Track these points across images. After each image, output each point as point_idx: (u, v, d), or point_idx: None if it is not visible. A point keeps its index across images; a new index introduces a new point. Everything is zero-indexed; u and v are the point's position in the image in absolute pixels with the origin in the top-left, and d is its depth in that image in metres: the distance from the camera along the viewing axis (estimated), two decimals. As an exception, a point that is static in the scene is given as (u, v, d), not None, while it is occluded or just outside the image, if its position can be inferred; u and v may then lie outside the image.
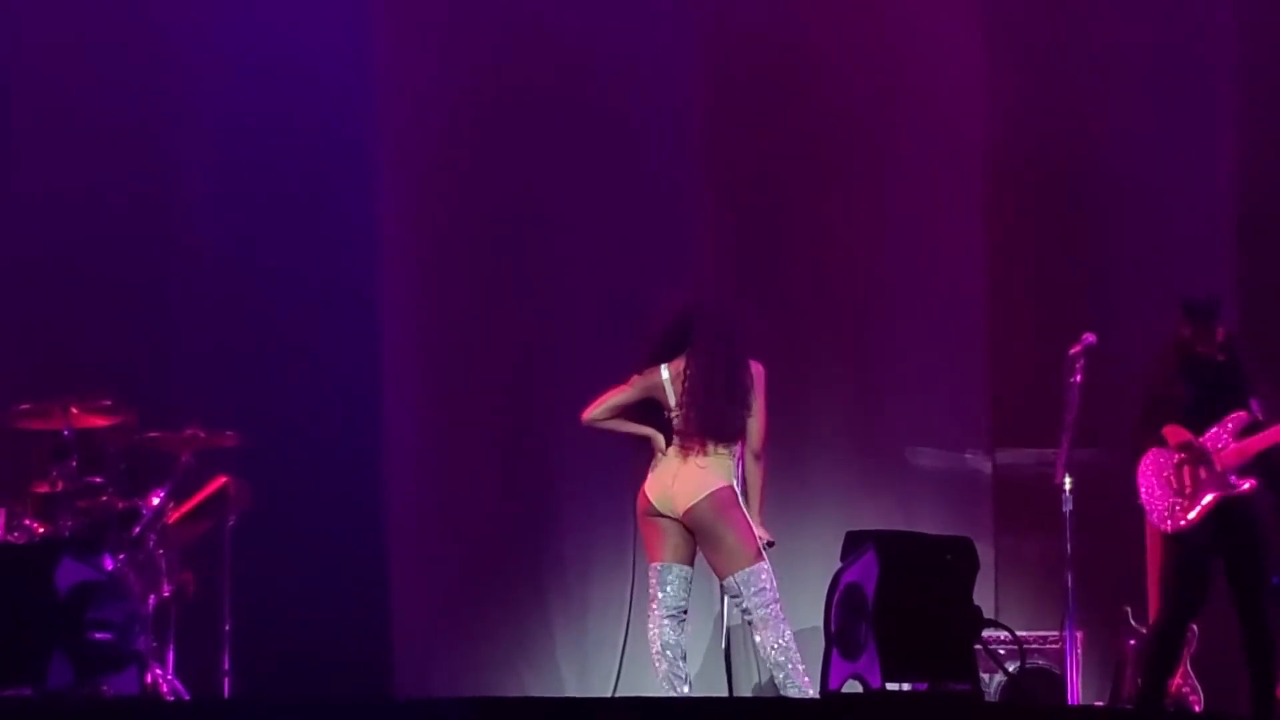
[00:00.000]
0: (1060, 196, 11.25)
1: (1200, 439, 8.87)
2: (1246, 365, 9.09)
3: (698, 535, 8.30)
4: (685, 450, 8.27)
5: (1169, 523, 8.87)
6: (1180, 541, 8.86)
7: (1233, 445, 8.88)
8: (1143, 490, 8.95)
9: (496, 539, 10.83)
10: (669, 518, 8.31)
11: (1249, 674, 8.83)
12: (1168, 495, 8.89)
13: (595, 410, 8.43)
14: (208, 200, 10.63)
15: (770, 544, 8.72)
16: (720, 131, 11.19)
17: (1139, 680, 9.18)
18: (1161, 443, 8.95)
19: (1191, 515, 8.83)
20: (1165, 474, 8.91)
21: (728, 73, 11.25)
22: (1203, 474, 8.85)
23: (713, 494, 8.23)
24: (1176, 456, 8.89)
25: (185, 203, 10.66)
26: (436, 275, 10.93)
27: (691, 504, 8.24)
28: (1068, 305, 10.77)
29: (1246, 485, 8.83)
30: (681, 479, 8.26)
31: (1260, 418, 8.92)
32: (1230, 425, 8.90)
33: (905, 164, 11.25)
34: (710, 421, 8.25)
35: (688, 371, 8.31)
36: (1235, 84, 11.20)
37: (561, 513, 10.87)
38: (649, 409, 8.40)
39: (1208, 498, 8.82)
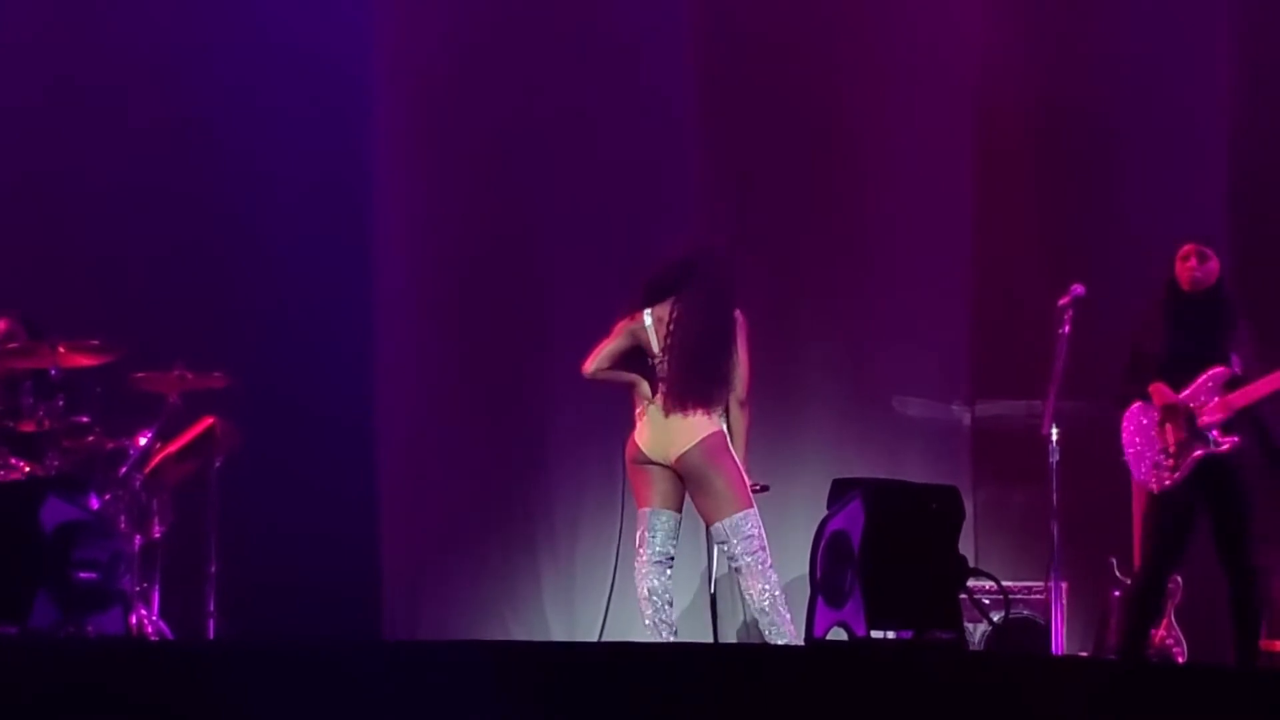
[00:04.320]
0: (1049, 147, 11.22)
1: (1182, 395, 8.86)
2: (1235, 310, 9.06)
3: (688, 481, 8.30)
4: (667, 403, 8.25)
5: (1154, 482, 8.87)
6: (1164, 498, 8.86)
7: (1215, 401, 8.87)
8: (1127, 446, 8.95)
9: (486, 484, 10.83)
10: (658, 464, 8.31)
11: (1235, 626, 8.84)
12: (1152, 453, 8.89)
13: (596, 361, 8.39)
14: (198, 139, 10.59)
15: (765, 488, 8.72)
16: (715, 80, 11.16)
17: (1121, 630, 9.20)
18: (1146, 397, 8.94)
19: (1176, 474, 8.83)
20: (1150, 431, 8.91)
21: (723, 17, 11.22)
22: (1185, 432, 8.84)
23: (704, 440, 8.23)
24: (1159, 414, 8.88)
25: (176, 143, 10.62)
26: (430, 216, 10.92)
27: (684, 451, 8.24)
28: (1056, 256, 10.74)
29: (1227, 444, 8.83)
30: (674, 426, 8.25)
31: (1239, 372, 8.91)
32: (1211, 380, 8.89)
33: (895, 114, 11.21)
34: (691, 383, 8.23)
35: (673, 318, 8.29)
36: (1229, 32, 11.16)
37: (551, 459, 10.88)
38: (633, 354, 8.38)
39: (1192, 455, 8.82)
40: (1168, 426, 8.86)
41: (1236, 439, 8.83)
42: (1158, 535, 8.91)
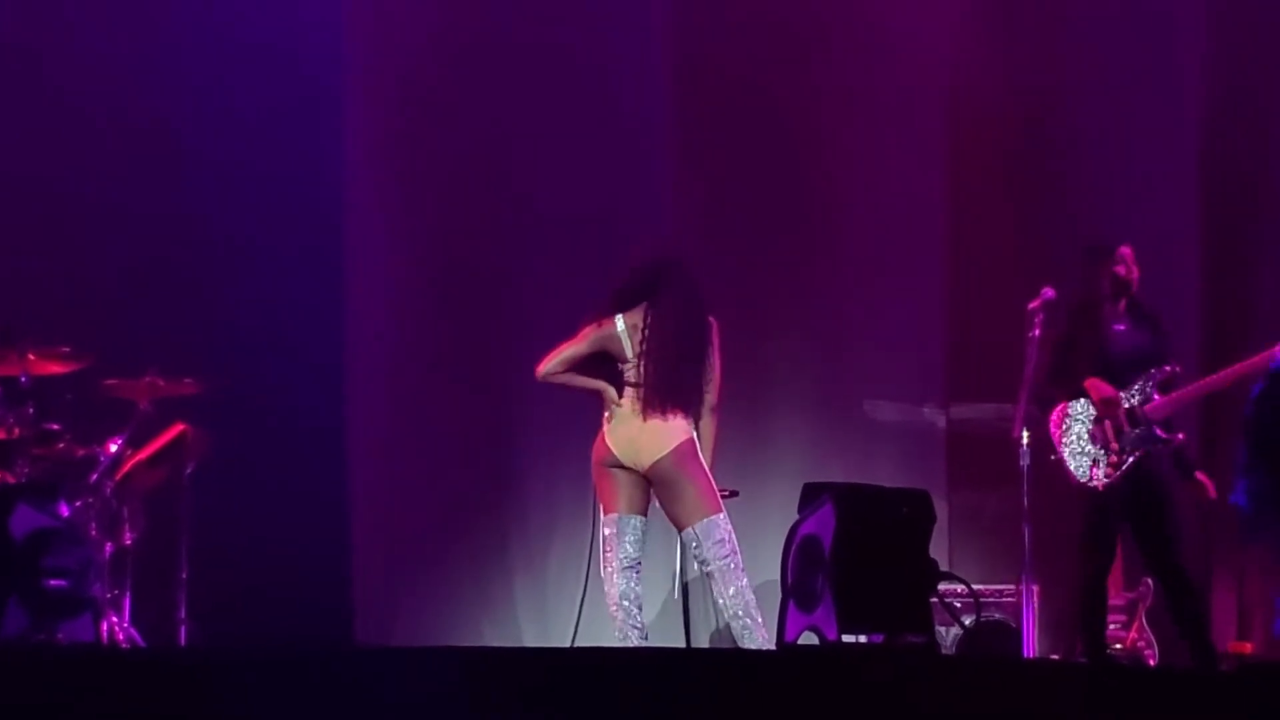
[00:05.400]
0: (1021, 151, 11.24)
1: (1123, 392, 8.92)
2: (1158, 314, 9.16)
3: (659, 488, 8.29)
4: (645, 408, 8.24)
5: (1098, 479, 8.90)
6: (1097, 497, 8.89)
7: (1159, 399, 8.91)
8: (1060, 447, 8.97)
9: (459, 489, 10.82)
10: (626, 469, 8.29)
11: (1181, 629, 8.89)
12: (1091, 448, 8.93)
13: (549, 364, 8.36)
14: (167, 145, 10.57)
15: (734, 493, 8.72)
16: (687, 81, 11.17)
17: (1077, 638, 9.22)
18: (1076, 395, 8.97)
19: (1118, 471, 8.86)
20: (1085, 425, 8.94)
21: (696, 19, 11.23)
22: (1126, 428, 8.89)
23: (676, 448, 8.21)
24: (1097, 410, 8.92)
25: (145, 148, 10.59)
26: (402, 222, 10.91)
27: (656, 459, 8.22)
28: (1026, 261, 10.75)
29: (1175, 440, 8.88)
30: (646, 433, 8.23)
31: (1179, 370, 8.97)
32: (1152, 379, 8.93)
33: (868, 118, 11.23)
34: (672, 386, 8.22)
35: (648, 323, 8.28)
36: (1200, 41, 11.18)
37: (524, 464, 10.87)
38: (598, 360, 8.37)
39: (1135, 452, 8.86)
40: (1107, 423, 8.91)
41: (1182, 435, 8.90)
42: (1090, 535, 8.95)
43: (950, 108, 11.27)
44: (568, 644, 9.66)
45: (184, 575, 9.62)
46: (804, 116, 11.22)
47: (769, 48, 11.22)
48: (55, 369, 9.43)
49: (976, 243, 11.15)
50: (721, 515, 8.24)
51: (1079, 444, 8.96)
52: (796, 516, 8.59)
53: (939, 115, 11.25)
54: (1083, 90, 11.22)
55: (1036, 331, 8.99)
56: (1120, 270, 9.06)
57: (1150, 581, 10.05)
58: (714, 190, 11.16)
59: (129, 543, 9.48)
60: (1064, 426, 8.99)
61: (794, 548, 8.42)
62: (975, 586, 9.53)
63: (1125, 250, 9.10)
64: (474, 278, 10.96)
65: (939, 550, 8.80)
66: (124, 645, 9.14)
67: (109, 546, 9.34)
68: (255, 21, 10.68)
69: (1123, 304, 9.07)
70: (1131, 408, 8.91)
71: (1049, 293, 9.05)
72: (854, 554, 8.18)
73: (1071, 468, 8.96)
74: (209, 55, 10.65)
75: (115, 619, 9.24)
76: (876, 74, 11.24)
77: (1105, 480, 8.88)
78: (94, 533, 9.22)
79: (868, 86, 11.23)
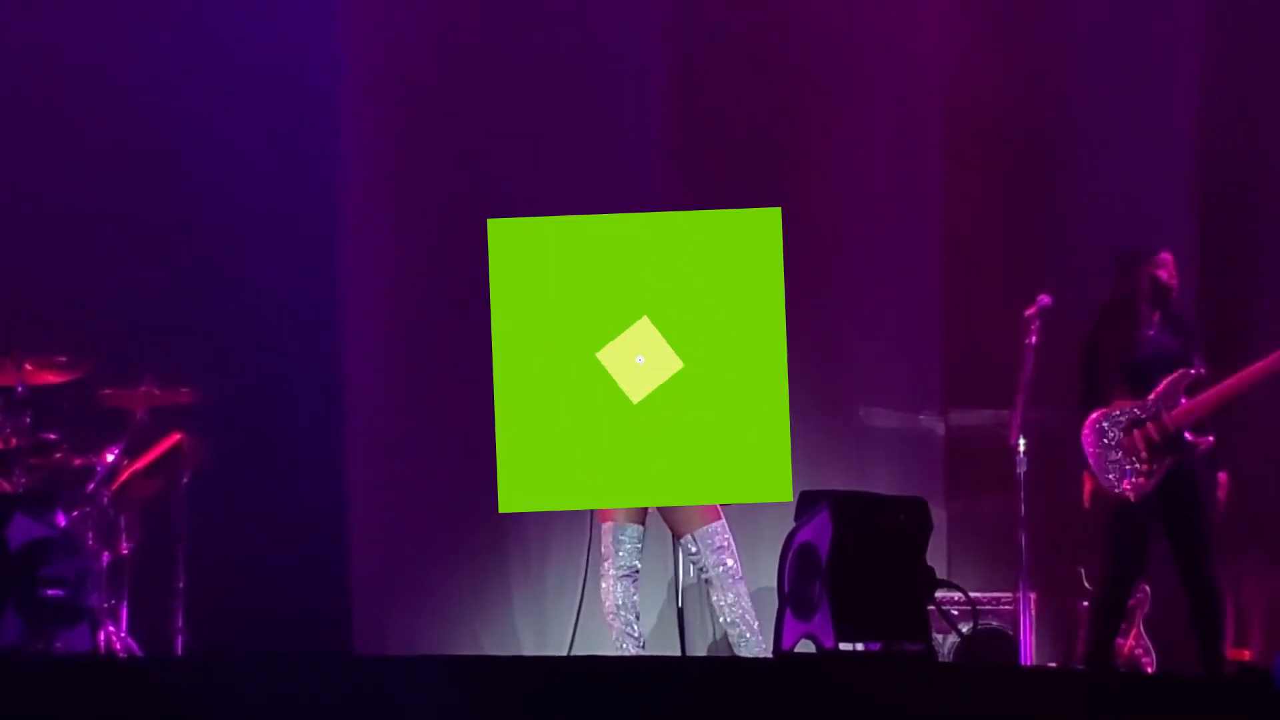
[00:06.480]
0: (1018, 155, 11.22)
1: (1149, 398, 8.89)
2: (1187, 316, 9.14)
3: (656, 495, 8.29)
4: None
5: (1131, 490, 8.86)
6: (1127, 506, 8.86)
7: (1184, 403, 8.89)
8: (1091, 455, 8.95)
9: (456, 496, 10.80)
10: (623, 477, 8.29)
11: (1198, 634, 8.86)
12: (1122, 458, 8.90)
13: None
14: (165, 154, 10.56)
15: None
16: (686, 82, 11.17)
17: (1087, 641, 9.20)
18: (1107, 403, 8.96)
19: (1152, 480, 8.82)
20: (1115, 435, 8.92)
21: (691, 26, 11.23)
22: (1156, 436, 8.86)
23: (673, 454, 8.22)
24: (1127, 418, 8.90)
25: (142, 157, 10.59)
26: (397, 229, 10.89)
27: (652, 464, 8.23)
28: (1023, 266, 10.75)
29: (1205, 444, 8.86)
30: (642, 439, 8.24)
31: (1203, 372, 8.95)
32: (1178, 382, 8.91)
33: (863, 122, 11.22)
34: None
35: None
36: (1198, 43, 11.17)
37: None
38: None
39: (1165, 461, 8.84)
40: (1136, 433, 8.88)
41: (1211, 439, 8.87)
42: (1118, 545, 8.92)
43: (948, 110, 11.25)
44: (564, 652, 9.65)
45: (181, 584, 9.61)
46: (801, 119, 11.21)
47: (766, 50, 11.21)
48: (52, 378, 9.43)
49: (974, 246, 11.14)
50: (720, 522, 8.24)
51: (1110, 453, 8.92)
52: (793, 524, 8.59)
53: (936, 118, 11.23)
54: (1082, 92, 11.20)
55: (1033, 339, 8.99)
56: (1163, 274, 9.03)
57: (1148, 589, 10.04)
58: (712, 191, 11.14)
59: (126, 552, 9.47)
60: (1096, 435, 8.96)
61: (791, 555, 8.42)
62: (972, 594, 9.52)
63: (1166, 255, 9.07)
64: (469, 287, 10.93)
65: (936, 557, 8.78)
66: (121, 654, 9.13)
67: (106, 556, 9.33)
68: (251, 24, 10.67)
69: (1168, 308, 9.03)
70: (1159, 415, 8.87)
71: (1045, 299, 9.04)
72: (851, 561, 8.18)
73: (1100, 478, 8.92)
74: (204, 59, 10.62)
75: (112, 628, 9.23)
76: (874, 76, 11.22)
77: (1137, 489, 8.85)
78: (91, 542, 9.21)
79: (865, 88, 11.21)
